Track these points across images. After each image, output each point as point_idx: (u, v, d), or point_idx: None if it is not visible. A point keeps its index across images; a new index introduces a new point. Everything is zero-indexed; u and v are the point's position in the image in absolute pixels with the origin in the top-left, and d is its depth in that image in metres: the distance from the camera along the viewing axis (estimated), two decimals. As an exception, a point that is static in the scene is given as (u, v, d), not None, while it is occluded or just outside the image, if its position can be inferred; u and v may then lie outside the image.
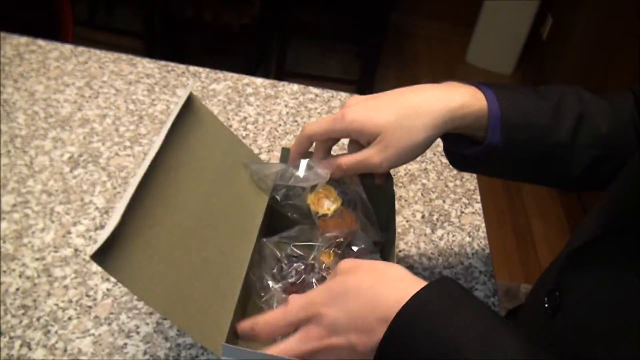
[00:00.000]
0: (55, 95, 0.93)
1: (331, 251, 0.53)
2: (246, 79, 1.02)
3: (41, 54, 1.01)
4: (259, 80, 1.02)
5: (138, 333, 0.61)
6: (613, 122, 0.55)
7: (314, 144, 0.56)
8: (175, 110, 0.52)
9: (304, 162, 0.55)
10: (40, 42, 1.04)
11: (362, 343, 0.41)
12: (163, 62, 1.03)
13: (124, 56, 1.03)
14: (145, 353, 0.59)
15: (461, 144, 0.56)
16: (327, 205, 0.56)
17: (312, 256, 0.52)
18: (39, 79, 0.95)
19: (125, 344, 0.60)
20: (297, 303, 0.44)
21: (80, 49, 1.04)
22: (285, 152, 0.59)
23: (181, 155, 0.51)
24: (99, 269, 0.54)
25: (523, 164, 0.55)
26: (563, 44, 2.62)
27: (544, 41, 2.86)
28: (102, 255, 0.40)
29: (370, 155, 0.52)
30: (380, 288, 0.42)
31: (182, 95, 0.55)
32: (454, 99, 0.51)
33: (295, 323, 0.44)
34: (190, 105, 0.54)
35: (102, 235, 0.40)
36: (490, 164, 0.55)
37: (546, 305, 0.52)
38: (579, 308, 0.49)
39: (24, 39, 1.03)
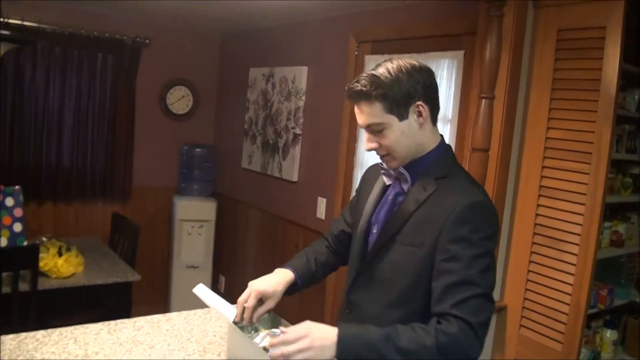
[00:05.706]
0: None
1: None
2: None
3: None
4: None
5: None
6: (328, 255, 1.68)
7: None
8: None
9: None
10: None
11: (321, 344, 1.21)
12: None
13: None
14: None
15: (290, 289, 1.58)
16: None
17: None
18: None
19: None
20: (291, 334, 1.24)
21: None
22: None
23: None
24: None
25: (309, 284, 1.61)
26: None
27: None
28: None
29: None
30: (318, 328, 1.25)
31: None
32: (287, 277, 1.55)
33: (291, 341, 1.23)
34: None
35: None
36: (300, 289, 1.59)
37: (347, 311, 1.48)
38: (359, 309, 1.44)
39: None
